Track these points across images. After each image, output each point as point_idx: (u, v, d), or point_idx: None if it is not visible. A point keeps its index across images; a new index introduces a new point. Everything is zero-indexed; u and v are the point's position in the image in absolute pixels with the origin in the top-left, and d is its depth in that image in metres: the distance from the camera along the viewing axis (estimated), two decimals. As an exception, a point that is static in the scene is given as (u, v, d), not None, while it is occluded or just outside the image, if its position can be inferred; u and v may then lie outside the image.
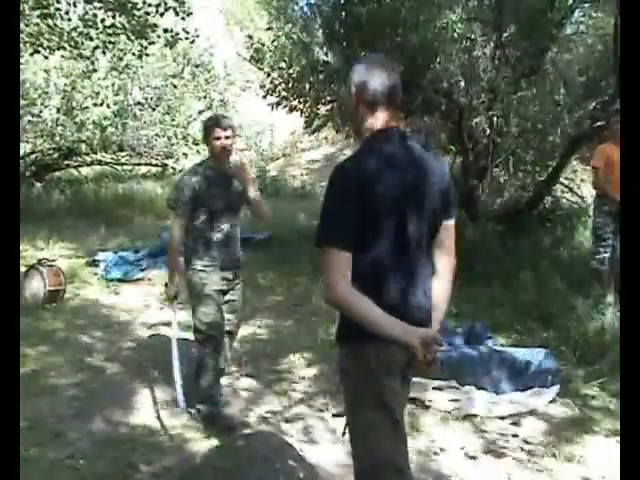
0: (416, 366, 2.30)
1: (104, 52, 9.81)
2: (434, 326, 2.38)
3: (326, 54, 7.76)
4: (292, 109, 8.72)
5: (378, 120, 2.31)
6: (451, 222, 2.40)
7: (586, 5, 8.42)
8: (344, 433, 2.40)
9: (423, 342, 2.18)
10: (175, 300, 4.31)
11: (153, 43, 9.72)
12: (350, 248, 2.18)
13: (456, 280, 2.49)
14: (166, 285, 4.31)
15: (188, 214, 4.14)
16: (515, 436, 4.06)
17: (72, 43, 9.22)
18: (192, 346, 4.48)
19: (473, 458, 3.79)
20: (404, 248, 2.27)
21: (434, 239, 2.37)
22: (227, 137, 4.13)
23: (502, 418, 4.29)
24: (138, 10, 8.72)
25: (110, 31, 8.92)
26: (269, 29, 9.35)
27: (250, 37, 9.99)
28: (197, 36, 10.43)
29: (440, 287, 2.42)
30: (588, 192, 9.36)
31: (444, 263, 2.42)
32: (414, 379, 4.35)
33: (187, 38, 9.91)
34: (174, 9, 8.92)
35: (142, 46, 9.55)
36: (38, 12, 8.51)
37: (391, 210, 2.22)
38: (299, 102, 8.70)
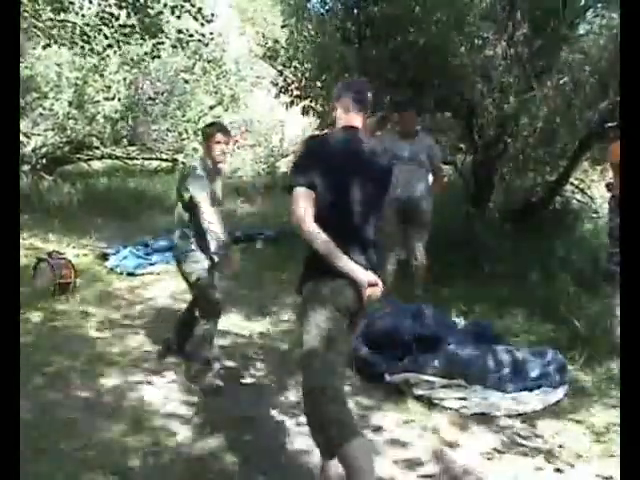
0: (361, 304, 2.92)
1: (116, 52, 9.82)
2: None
3: (339, 52, 7.74)
4: (306, 111, 8.70)
5: (346, 120, 3.14)
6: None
7: (599, 5, 8.37)
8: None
9: (370, 282, 2.86)
10: None
11: (163, 43, 9.73)
12: (313, 188, 2.89)
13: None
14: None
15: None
16: (523, 435, 4.06)
17: (84, 38, 9.24)
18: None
19: (482, 456, 3.79)
20: (351, 211, 2.97)
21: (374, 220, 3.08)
22: (226, 143, 4.74)
23: (510, 417, 4.29)
24: (152, 9, 8.72)
25: (124, 31, 8.92)
26: (284, 27, 9.33)
27: (263, 35, 9.99)
28: (212, 39, 10.46)
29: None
30: (598, 193, 9.34)
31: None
32: (421, 377, 4.45)
33: (200, 40, 9.93)
34: (193, 15, 8.93)
35: (154, 46, 9.55)
36: (51, 6, 8.52)
37: (341, 179, 2.97)
38: (311, 101, 8.68)
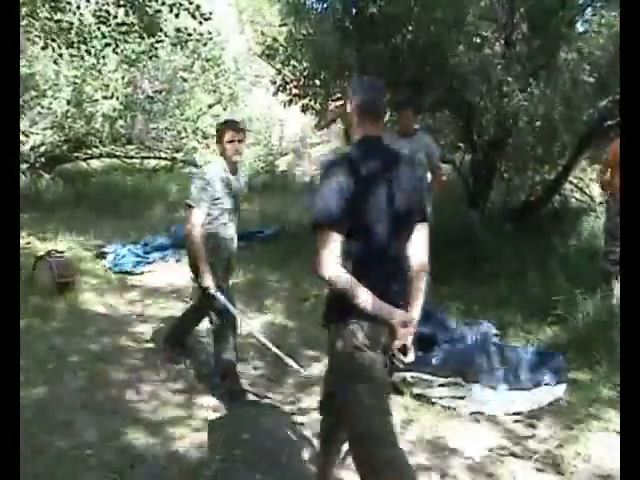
0: (394, 349, 2.61)
1: (115, 51, 9.80)
2: (413, 313, 2.71)
3: (337, 51, 7.75)
4: (305, 109, 8.70)
5: (365, 129, 2.77)
6: (425, 224, 2.80)
7: (598, 4, 8.38)
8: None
9: (402, 322, 2.55)
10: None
11: (162, 42, 9.72)
12: (341, 230, 2.52)
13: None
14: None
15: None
16: (521, 434, 4.07)
17: (82, 38, 9.22)
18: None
19: (480, 455, 3.79)
20: (382, 240, 2.61)
21: (409, 237, 2.75)
22: (240, 140, 4.53)
23: (508, 416, 4.29)
24: (150, 7, 8.71)
25: (122, 29, 8.90)
26: (283, 25, 9.33)
27: (262, 33, 9.98)
28: (210, 38, 10.45)
29: (414, 283, 2.75)
30: (597, 192, 9.35)
31: (416, 261, 2.75)
32: (419, 375, 4.45)
33: (198, 40, 9.92)
34: (192, 14, 8.91)
35: (153, 45, 9.54)
36: (49, 5, 8.50)
37: (370, 205, 2.58)
38: (310, 100, 8.68)
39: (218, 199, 4.48)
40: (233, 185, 4.60)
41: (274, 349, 4.61)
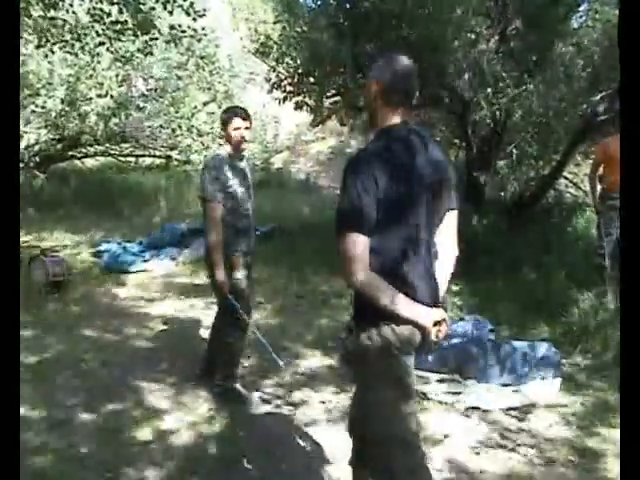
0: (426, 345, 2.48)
1: (109, 49, 9.76)
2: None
3: (332, 48, 7.74)
4: (300, 106, 8.69)
5: (393, 115, 2.50)
6: (454, 211, 2.60)
7: (591, -1, 8.41)
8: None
9: (435, 323, 2.41)
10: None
11: (157, 39, 9.68)
12: (368, 233, 2.33)
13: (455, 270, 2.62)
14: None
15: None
16: (517, 429, 4.07)
17: (75, 36, 9.18)
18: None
19: (475, 449, 3.80)
20: (415, 234, 2.44)
21: (438, 226, 2.56)
22: (246, 128, 4.37)
23: (504, 410, 4.30)
24: (144, 5, 8.68)
25: (116, 27, 8.87)
26: (277, 22, 9.32)
27: (256, 30, 9.97)
28: (205, 35, 10.42)
29: (441, 273, 2.58)
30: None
31: (446, 250, 2.59)
32: (415, 372, 4.44)
33: (192, 36, 9.89)
34: (186, 10, 8.87)
35: (147, 42, 9.51)
36: (42, 3, 8.46)
37: (403, 198, 2.38)
38: (304, 97, 8.68)
39: (230, 187, 4.31)
40: (242, 171, 4.47)
41: (260, 338, 4.49)
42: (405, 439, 2.50)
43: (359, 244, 2.32)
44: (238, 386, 4.53)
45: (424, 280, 2.47)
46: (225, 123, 4.41)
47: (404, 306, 2.36)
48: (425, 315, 2.40)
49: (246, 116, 4.40)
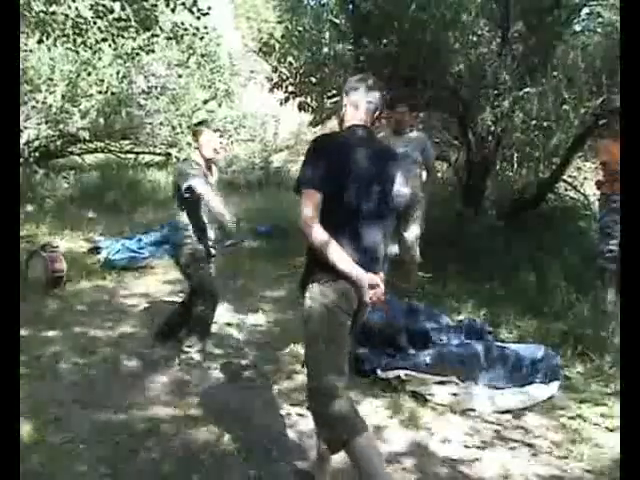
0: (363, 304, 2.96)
1: (110, 45, 9.75)
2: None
3: (333, 49, 7.74)
4: (302, 107, 8.69)
5: (354, 118, 3.09)
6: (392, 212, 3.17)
7: (594, 2, 8.39)
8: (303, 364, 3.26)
9: (371, 284, 2.87)
10: None
11: (157, 36, 9.68)
12: (320, 190, 2.85)
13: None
14: None
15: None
16: (515, 431, 4.08)
17: (77, 32, 9.17)
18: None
19: (473, 451, 3.80)
20: (360, 210, 2.93)
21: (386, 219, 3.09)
22: (216, 141, 4.95)
23: (501, 413, 4.30)
24: (147, 1, 8.67)
25: (118, 24, 8.86)
26: (280, 22, 9.31)
27: (259, 30, 9.95)
28: (207, 33, 10.42)
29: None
30: (591, 190, 9.36)
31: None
32: (413, 374, 4.46)
33: (194, 34, 9.88)
34: (189, 9, 8.87)
35: (148, 39, 9.50)
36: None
37: (352, 177, 2.91)
38: (305, 97, 8.67)
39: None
40: (208, 180, 4.92)
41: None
42: (331, 389, 2.90)
43: (312, 198, 2.85)
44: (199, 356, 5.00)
45: (365, 250, 2.94)
46: (195, 135, 4.97)
47: (344, 261, 2.83)
48: (362, 274, 2.86)
49: (215, 131, 5.06)
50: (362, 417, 3.01)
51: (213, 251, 5.07)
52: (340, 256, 2.83)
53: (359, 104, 3.07)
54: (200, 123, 5.17)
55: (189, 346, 5.03)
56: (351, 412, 2.95)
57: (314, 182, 2.87)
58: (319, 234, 2.82)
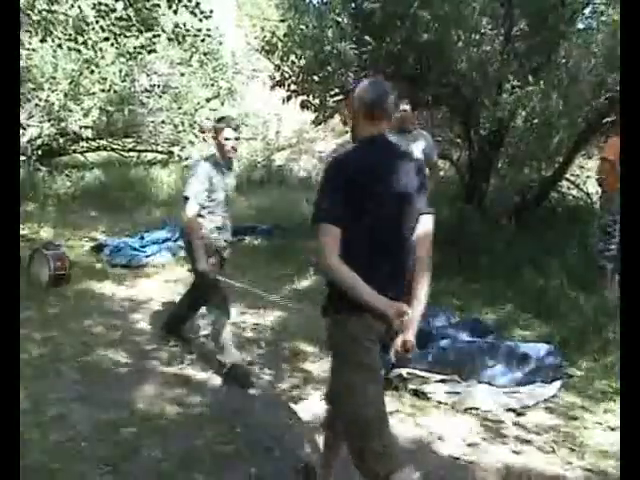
0: (396, 344, 2.74)
1: (113, 44, 9.76)
2: (415, 310, 2.76)
3: (335, 47, 7.72)
4: (304, 106, 8.69)
5: (370, 128, 2.84)
6: (428, 216, 2.90)
7: (597, 1, 8.38)
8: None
9: (397, 313, 2.62)
10: None
11: (159, 36, 9.68)
12: (339, 225, 2.64)
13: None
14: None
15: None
16: (517, 430, 4.07)
17: (80, 31, 9.18)
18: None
19: (474, 449, 3.80)
20: (383, 235, 2.74)
21: (412, 233, 2.84)
22: (237, 138, 4.79)
23: (503, 411, 4.29)
24: (149, 1, 8.68)
25: (121, 23, 8.86)
26: (283, 21, 9.30)
27: (262, 29, 9.94)
28: (208, 35, 10.42)
29: (418, 273, 2.84)
30: (594, 189, 9.34)
31: (420, 250, 2.86)
32: (415, 372, 4.46)
33: (196, 35, 9.88)
34: (191, 10, 8.87)
35: (151, 39, 9.50)
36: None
37: (371, 201, 2.70)
38: (308, 96, 8.66)
39: (213, 192, 4.70)
40: (225, 180, 4.84)
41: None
42: (370, 423, 2.69)
43: (331, 233, 2.65)
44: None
45: (390, 277, 2.74)
46: (216, 132, 4.79)
47: (368, 295, 2.62)
48: (386, 303, 2.63)
49: (236, 129, 4.82)
50: (400, 453, 2.82)
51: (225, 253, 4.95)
52: (364, 290, 2.63)
53: (371, 113, 2.84)
54: (222, 119, 4.92)
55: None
56: (392, 446, 2.76)
57: (332, 216, 2.67)
58: (341, 271, 2.64)
